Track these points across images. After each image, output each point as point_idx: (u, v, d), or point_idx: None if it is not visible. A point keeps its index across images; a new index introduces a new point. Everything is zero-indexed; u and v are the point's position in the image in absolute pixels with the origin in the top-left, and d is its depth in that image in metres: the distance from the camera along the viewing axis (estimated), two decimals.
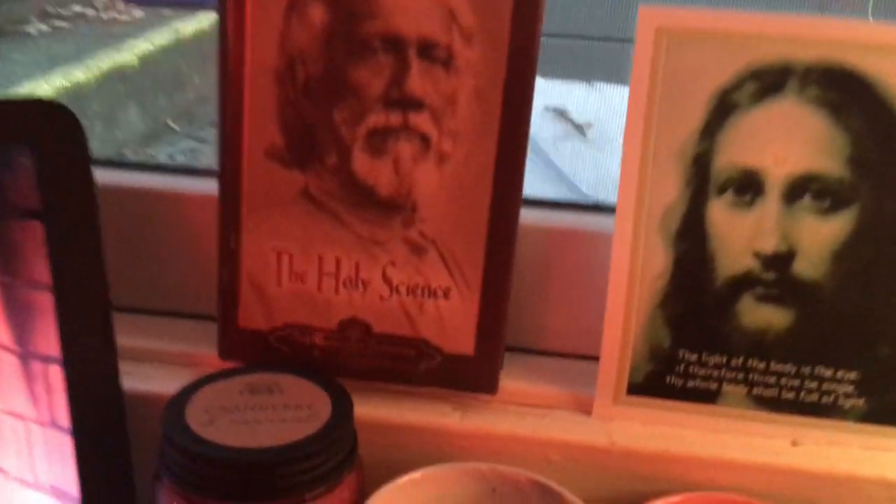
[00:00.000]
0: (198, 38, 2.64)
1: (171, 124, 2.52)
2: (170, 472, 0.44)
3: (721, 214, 0.49)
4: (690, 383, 0.51)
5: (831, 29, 0.47)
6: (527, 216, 0.50)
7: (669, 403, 0.51)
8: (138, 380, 0.52)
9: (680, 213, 0.49)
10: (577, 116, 1.16)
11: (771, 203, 0.48)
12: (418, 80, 0.47)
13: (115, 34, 2.42)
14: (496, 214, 0.49)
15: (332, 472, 0.44)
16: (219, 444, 0.43)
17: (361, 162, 0.49)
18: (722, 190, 0.49)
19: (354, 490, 0.46)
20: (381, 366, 0.52)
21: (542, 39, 0.48)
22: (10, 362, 0.49)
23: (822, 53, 0.47)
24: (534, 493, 0.49)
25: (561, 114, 1.19)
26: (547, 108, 1.20)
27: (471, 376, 0.52)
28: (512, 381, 0.53)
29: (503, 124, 0.48)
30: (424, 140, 0.48)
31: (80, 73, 2.04)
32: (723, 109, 0.48)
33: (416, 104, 0.47)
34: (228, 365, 0.52)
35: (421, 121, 0.48)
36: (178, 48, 2.51)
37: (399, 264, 0.50)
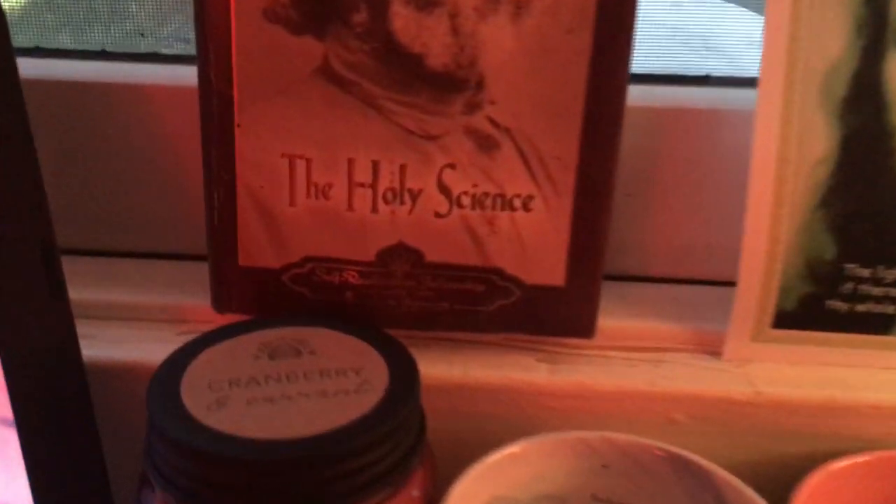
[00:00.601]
0: None
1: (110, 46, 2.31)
2: (162, 477, 0.30)
3: None
4: (860, 308, 0.38)
5: None
6: (636, 94, 0.36)
7: (831, 337, 0.38)
8: (104, 346, 0.38)
9: (848, 75, 0.35)
10: None
11: None
12: None
13: None
14: (597, 86, 0.35)
15: (398, 468, 0.31)
16: (233, 435, 0.29)
17: (403, 18, 0.34)
18: None
19: (425, 486, 0.33)
20: (437, 308, 0.38)
21: None
22: None
23: None
24: (660, 467, 0.36)
25: None
26: None
27: (561, 316, 0.38)
28: (612, 319, 0.39)
29: None
30: None
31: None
32: None
33: None
34: (228, 319, 0.38)
35: None
36: None
37: (461, 165, 0.36)
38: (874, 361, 0.38)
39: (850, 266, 0.37)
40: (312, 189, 0.36)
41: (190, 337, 0.37)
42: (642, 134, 0.39)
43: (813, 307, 0.38)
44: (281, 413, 0.30)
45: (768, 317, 0.38)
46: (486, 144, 0.36)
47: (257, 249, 0.37)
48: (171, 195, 0.41)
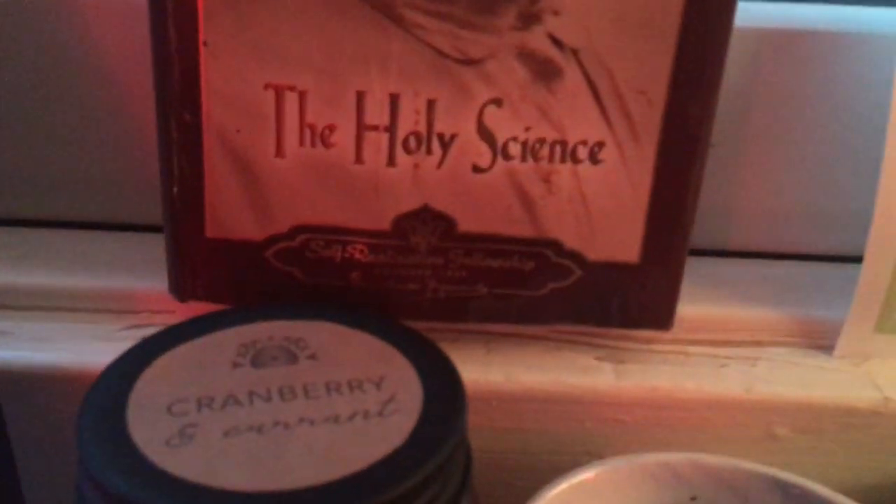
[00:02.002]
0: None
1: None
2: None
3: None
4: None
5: None
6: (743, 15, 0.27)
7: None
8: (23, 346, 0.28)
9: None
10: None
11: None
12: None
13: None
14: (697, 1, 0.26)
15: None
16: (204, 485, 0.20)
17: None
18: None
19: None
20: (473, 292, 0.29)
21: None
22: None
23: None
24: (764, 496, 0.27)
25: None
26: None
27: (633, 302, 0.29)
28: (695, 306, 0.31)
29: None
30: None
31: None
32: None
33: None
34: (194, 310, 0.28)
35: None
36: None
37: (510, 102, 0.27)
38: None
39: None
40: (307, 133, 0.27)
41: (140, 333, 0.27)
42: (735, 64, 0.30)
43: None
44: (274, 450, 0.21)
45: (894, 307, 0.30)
46: (544, 72, 0.26)
47: (232, 216, 0.28)
48: (114, 145, 0.31)
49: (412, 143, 0.27)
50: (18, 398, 0.26)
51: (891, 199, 0.28)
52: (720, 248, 0.33)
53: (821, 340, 0.31)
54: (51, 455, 0.26)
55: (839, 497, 0.27)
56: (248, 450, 0.21)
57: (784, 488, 0.27)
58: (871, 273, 0.29)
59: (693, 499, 0.28)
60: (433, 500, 0.21)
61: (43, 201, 0.32)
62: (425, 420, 0.22)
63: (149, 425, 0.21)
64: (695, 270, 0.31)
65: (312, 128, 0.27)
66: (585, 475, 0.26)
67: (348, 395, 0.23)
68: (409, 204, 0.28)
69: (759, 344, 0.31)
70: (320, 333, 0.25)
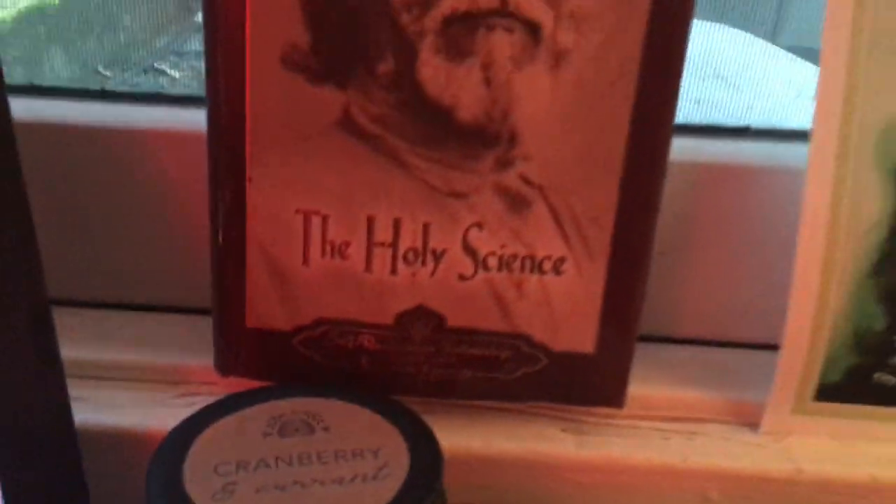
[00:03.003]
0: None
1: (103, 71, 2.28)
2: None
3: None
4: None
5: None
6: (679, 147, 0.34)
7: (879, 411, 0.36)
8: (97, 411, 0.35)
9: None
10: None
11: None
12: None
13: None
14: (637, 144, 0.32)
15: None
16: None
17: (433, 68, 0.31)
18: None
19: None
20: (459, 375, 0.36)
21: None
22: None
23: None
24: None
25: None
26: None
27: (589, 384, 0.36)
28: (644, 387, 0.37)
29: (652, 10, 0.31)
30: (532, 29, 0.31)
31: None
32: None
33: None
34: (233, 383, 0.35)
35: (526, 4, 0.31)
36: None
37: (489, 225, 0.33)
38: None
39: None
40: (328, 248, 0.34)
41: (191, 400, 0.34)
42: (677, 189, 0.37)
43: (860, 379, 0.35)
44: (285, 492, 0.27)
45: (811, 388, 0.36)
46: (516, 203, 0.33)
47: (267, 310, 0.35)
48: (175, 245, 0.38)
49: (410, 256, 0.34)
50: (94, 454, 0.33)
51: (801, 301, 0.35)
52: (669, 336, 0.40)
53: (749, 419, 0.37)
54: (121, 496, 0.33)
55: None
56: (274, 501, 0.27)
57: None
58: (787, 362, 0.35)
59: None
60: None
61: (118, 288, 0.40)
62: (410, 483, 0.29)
63: (200, 482, 0.28)
64: (646, 355, 0.38)
65: (332, 243, 0.34)
66: None
67: (351, 462, 0.29)
68: (408, 304, 0.35)
69: (697, 420, 0.37)
70: (333, 409, 0.32)
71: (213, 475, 0.28)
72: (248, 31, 0.31)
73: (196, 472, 0.28)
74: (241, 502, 0.27)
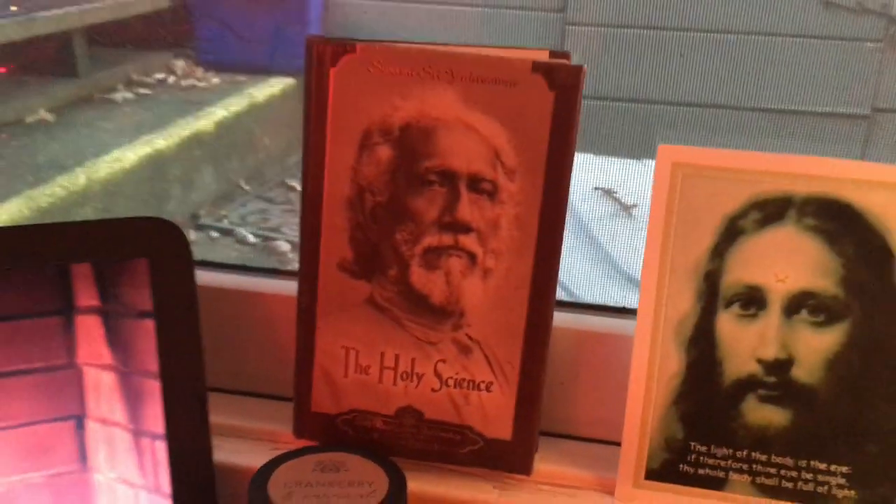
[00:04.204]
0: (269, 102, 2.81)
1: (243, 185, 2.68)
2: None
3: (728, 324, 0.56)
4: (701, 471, 0.58)
5: (826, 166, 0.55)
6: (559, 318, 0.58)
7: (683, 489, 0.58)
8: (226, 453, 0.61)
9: (692, 323, 0.57)
10: (625, 196, 1.24)
11: (772, 316, 0.56)
12: (467, 208, 0.56)
13: (193, 101, 2.60)
14: (532, 319, 0.57)
15: None
16: None
17: (418, 275, 0.58)
18: (729, 303, 0.56)
19: None
20: (431, 448, 0.60)
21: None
22: (124, 438, 0.59)
23: (817, 188, 0.55)
24: None
25: (608, 193, 1.27)
26: (596, 188, 1.29)
27: (508, 458, 0.60)
28: (545, 464, 0.60)
29: (539, 244, 0.56)
30: (472, 257, 0.57)
31: (162, 141, 2.20)
32: (730, 234, 0.56)
33: (465, 228, 0.56)
34: (301, 442, 0.61)
35: (469, 241, 0.57)
36: (252, 113, 2.68)
37: (448, 361, 0.59)
38: None
39: (693, 443, 0.57)
40: (358, 368, 0.60)
41: (278, 451, 0.60)
42: (566, 345, 0.61)
43: (671, 468, 0.58)
44: (325, 501, 0.52)
45: (642, 471, 0.58)
46: (464, 349, 0.58)
47: (322, 401, 0.61)
48: (275, 362, 0.65)
49: (405, 376, 0.59)
50: (223, 477, 0.59)
51: (631, 419, 0.57)
52: (564, 433, 0.63)
53: (609, 489, 0.59)
54: (234, 501, 0.58)
55: None
56: (305, 499, 0.52)
57: None
58: (625, 456, 0.58)
59: None
60: None
61: (239, 381, 0.67)
62: (386, 499, 0.53)
63: (276, 490, 0.53)
64: (549, 445, 0.61)
65: (360, 366, 0.60)
66: None
67: (356, 487, 0.54)
68: (403, 403, 0.60)
69: (577, 487, 0.60)
70: (352, 460, 0.57)
71: (283, 487, 0.54)
72: (321, 249, 0.58)
73: (274, 485, 0.54)
74: (295, 501, 0.52)
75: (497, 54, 0.55)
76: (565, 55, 0.56)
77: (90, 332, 0.58)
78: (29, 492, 0.58)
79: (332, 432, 0.61)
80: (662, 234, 0.57)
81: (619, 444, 0.59)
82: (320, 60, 0.56)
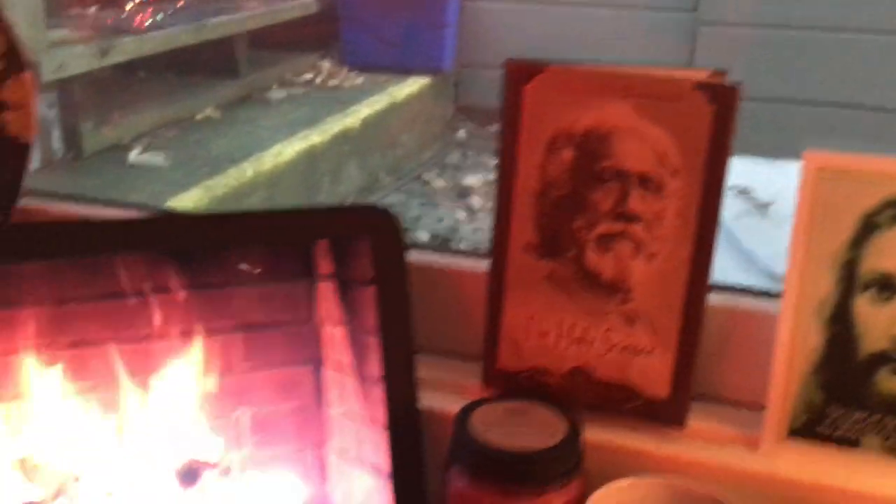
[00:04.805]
0: (409, 101, 2.98)
1: (383, 178, 2.86)
2: (459, 461, 0.65)
3: (865, 307, 0.65)
4: (837, 432, 0.67)
5: None
6: (713, 298, 0.68)
7: (820, 447, 0.67)
8: (424, 401, 0.74)
9: (832, 304, 0.66)
10: (761, 194, 1.30)
11: None
12: (637, 202, 0.67)
13: (340, 100, 2.80)
14: (690, 296, 0.68)
15: (567, 474, 0.64)
16: (494, 444, 0.64)
17: (592, 257, 0.69)
18: (865, 288, 0.65)
19: (580, 490, 0.66)
20: (597, 402, 0.72)
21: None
22: (350, 381, 0.73)
23: None
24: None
25: (744, 192, 1.34)
26: (731, 188, 1.37)
27: (665, 414, 0.70)
28: (696, 421, 0.71)
29: (697, 233, 0.67)
30: (638, 244, 0.68)
31: (315, 137, 2.40)
32: (867, 228, 0.65)
33: (634, 218, 0.67)
34: (487, 394, 0.73)
35: (637, 229, 0.68)
36: (392, 111, 2.85)
37: (615, 330, 0.70)
38: (846, 465, 0.66)
39: (830, 407, 0.66)
40: (539, 333, 0.72)
41: (466, 402, 0.72)
42: (717, 321, 0.71)
43: (810, 428, 0.67)
44: (515, 438, 0.65)
45: (784, 430, 0.68)
46: (629, 320, 0.69)
47: (508, 360, 0.73)
48: (467, 327, 0.78)
49: (578, 341, 0.71)
50: (430, 421, 0.72)
51: (777, 386, 0.67)
52: (715, 396, 0.73)
53: (753, 445, 0.69)
54: (434, 439, 0.71)
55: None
56: (506, 436, 0.65)
57: (716, 502, 0.66)
58: (771, 415, 0.68)
59: (679, 500, 0.67)
60: (566, 463, 0.64)
61: (437, 342, 0.80)
62: (565, 439, 0.65)
63: (475, 426, 0.66)
64: (701, 406, 0.72)
65: (541, 331, 0.72)
66: (623, 482, 0.67)
67: (539, 427, 0.66)
68: (575, 364, 0.71)
69: (725, 442, 0.70)
70: (534, 408, 0.69)
71: (481, 424, 0.66)
72: (510, 234, 0.71)
73: (474, 422, 0.67)
74: (492, 434, 0.65)
75: (664, 75, 0.66)
76: (722, 73, 0.66)
77: (327, 296, 0.73)
78: (279, 419, 0.73)
79: (514, 386, 0.73)
80: (806, 228, 0.66)
81: (763, 409, 0.69)
82: (516, 79, 0.68)
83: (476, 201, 2.66)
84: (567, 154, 0.68)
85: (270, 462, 0.73)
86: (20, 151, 0.80)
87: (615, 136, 0.67)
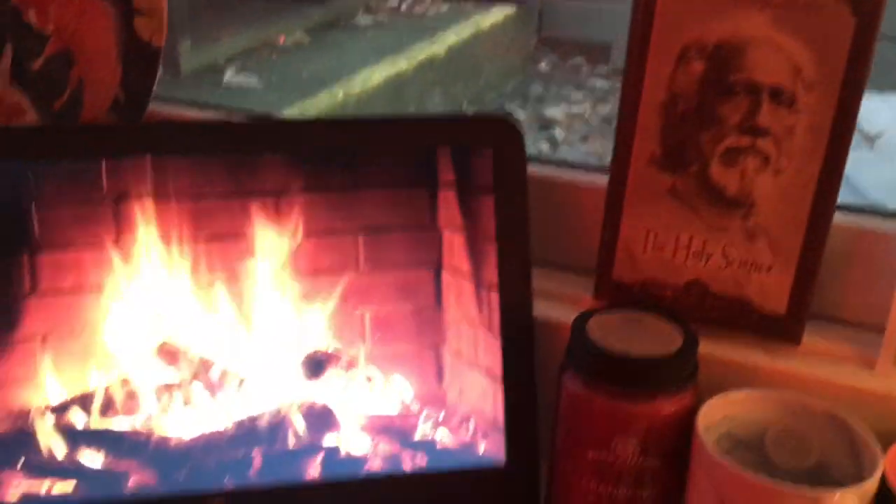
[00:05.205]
0: (492, 30, 2.95)
1: (466, 108, 2.85)
2: (575, 365, 0.67)
3: None
4: None
5: None
6: (837, 217, 0.68)
7: None
8: (537, 309, 0.76)
9: None
10: (868, 126, 1.26)
11: None
12: (767, 116, 0.66)
13: (425, 27, 2.79)
14: (815, 213, 0.67)
15: (681, 382, 0.65)
16: (609, 349, 0.66)
17: (717, 171, 0.69)
18: None
19: (693, 398, 0.67)
20: (712, 316, 0.72)
21: None
22: (468, 288, 0.75)
23: None
24: (824, 420, 0.67)
25: None
26: None
27: (781, 330, 0.71)
28: (812, 338, 0.71)
29: (828, 149, 0.66)
30: (766, 158, 0.67)
31: (402, 63, 2.41)
32: None
33: (763, 132, 0.67)
34: (599, 303, 0.75)
35: (765, 144, 0.67)
36: (477, 39, 2.83)
37: (735, 245, 0.70)
38: None
39: None
40: (656, 246, 0.72)
41: (580, 309, 0.74)
42: (840, 240, 0.70)
43: None
44: (631, 344, 0.66)
45: None
46: (750, 236, 0.69)
47: (622, 271, 0.74)
48: (581, 239, 0.79)
49: (695, 255, 0.71)
50: (542, 329, 0.74)
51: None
52: (832, 316, 0.73)
53: (869, 364, 0.69)
54: (546, 346, 0.73)
55: (855, 423, 0.65)
56: (623, 342, 0.66)
57: (832, 417, 0.66)
58: (890, 336, 0.67)
59: (793, 413, 0.68)
60: (681, 371, 0.65)
61: (551, 254, 0.81)
62: (682, 348, 0.66)
63: (592, 332, 0.68)
64: (817, 324, 0.72)
65: (658, 244, 0.72)
66: (738, 393, 0.67)
67: (655, 336, 0.67)
68: (692, 277, 0.72)
69: (840, 360, 0.70)
70: (650, 318, 0.70)
71: (598, 330, 0.68)
72: (634, 146, 0.71)
73: (591, 328, 0.68)
74: (609, 340, 0.66)
75: None
76: None
77: (448, 203, 0.75)
78: (399, 319, 0.75)
79: (627, 298, 0.74)
80: None
81: (882, 330, 0.68)
82: None
83: (559, 133, 2.64)
84: (697, 65, 0.68)
85: (390, 359, 0.76)
86: (152, 55, 0.83)
87: (749, 47, 0.66)
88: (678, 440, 0.66)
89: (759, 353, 0.71)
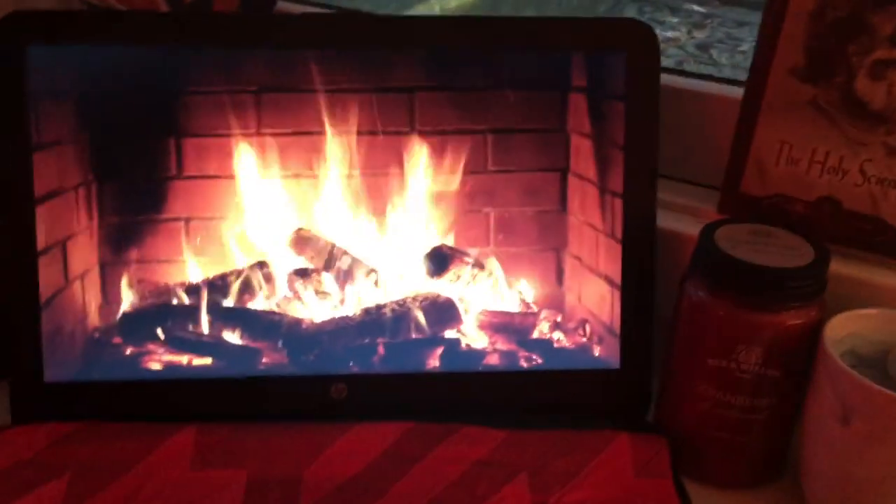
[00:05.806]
0: None
1: None
2: (700, 272, 0.67)
3: None
4: None
5: None
6: None
7: None
8: (662, 220, 0.76)
9: None
10: None
11: None
12: None
13: None
14: None
15: (811, 294, 0.65)
16: (739, 258, 0.65)
17: (863, 83, 0.67)
18: None
19: (820, 313, 0.66)
20: (843, 234, 0.71)
21: None
22: (593, 193, 0.76)
23: None
24: None
25: None
26: None
27: None
28: None
29: None
30: None
31: None
32: None
33: None
34: (714, 218, 0.74)
35: None
36: None
37: (875, 161, 0.68)
38: None
39: None
40: (789, 160, 0.71)
41: (705, 221, 0.73)
42: None
43: None
44: (761, 256, 0.65)
45: None
46: (892, 153, 0.68)
47: (751, 184, 0.73)
48: (707, 153, 0.78)
49: (831, 170, 0.70)
50: (665, 240, 0.74)
51: None
52: None
53: None
54: (667, 256, 0.74)
55: None
56: (752, 254, 0.66)
57: None
58: None
59: None
60: (811, 284, 0.65)
61: (677, 167, 0.81)
62: (813, 262, 0.65)
63: (720, 242, 0.67)
64: None
65: (790, 158, 0.71)
66: (870, 311, 0.67)
67: (785, 250, 0.67)
68: (824, 193, 0.71)
69: None
70: (780, 233, 0.69)
71: (726, 240, 0.68)
72: (775, 55, 0.69)
73: (718, 238, 0.68)
74: (737, 250, 0.66)
75: None
76: None
77: (577, 107, 0.75)
78: (525, 221, 0.77)
79: (754, 212, 0.74)
80: None
81: None
82: None
83: None
84: None
85: (512, 260, 0.77)
86: None
87: None
88: (801, 353, 0.66)
89: (890, 273, 0.70)
